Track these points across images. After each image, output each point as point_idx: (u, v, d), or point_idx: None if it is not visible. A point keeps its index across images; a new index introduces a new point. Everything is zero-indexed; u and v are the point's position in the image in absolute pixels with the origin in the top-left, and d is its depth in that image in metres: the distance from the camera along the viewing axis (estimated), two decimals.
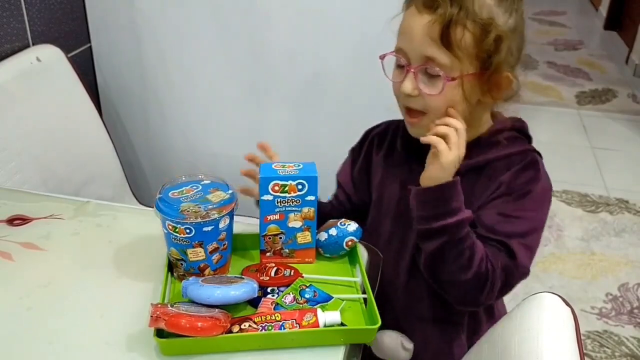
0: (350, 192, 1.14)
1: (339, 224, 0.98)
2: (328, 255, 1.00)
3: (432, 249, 0.93)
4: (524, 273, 0.95)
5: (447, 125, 0.90)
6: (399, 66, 0.95)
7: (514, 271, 0.94)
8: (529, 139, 1.03)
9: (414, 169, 0.98)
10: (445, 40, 0.87)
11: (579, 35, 4.79)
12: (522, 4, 0.93)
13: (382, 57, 0.97)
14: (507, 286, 0.94)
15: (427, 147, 0.94)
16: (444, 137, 0.90)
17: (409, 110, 0.97)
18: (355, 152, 1.15)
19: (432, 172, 0.92)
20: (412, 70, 0.92)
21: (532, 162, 0.98)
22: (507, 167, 0.97)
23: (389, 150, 1.09)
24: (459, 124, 0.90)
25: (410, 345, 1.04)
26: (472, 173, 0.97)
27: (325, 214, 1.09)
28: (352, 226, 0.98)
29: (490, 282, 0.91)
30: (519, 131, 1.02)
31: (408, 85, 0.92)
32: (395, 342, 1.04)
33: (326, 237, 0.98)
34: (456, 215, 0.90)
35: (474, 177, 0.97)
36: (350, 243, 0.98)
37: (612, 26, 4.78)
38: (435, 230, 0.91)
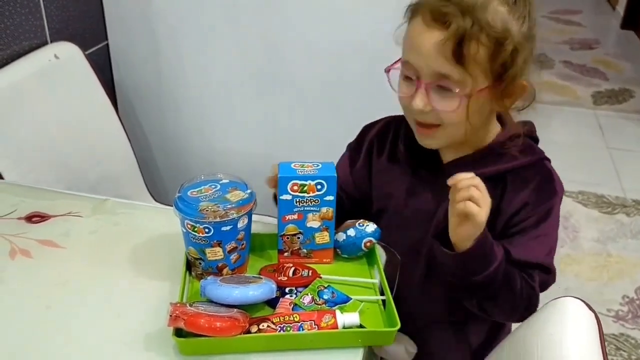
0: (348, 190, 1.09)
1: (357, 224, 0.97)
2: (346, 255, 1.00)
3: (476, 297, 0.93)
4: (555, 279, 0.98)
5: (466, 187, 0.84)
6: (407, 78, 0.91)
7: (549, 282, 0.96)
8: (536, 141, 1.01)
9: (421, 175, 0.99)
10: (459, 57, 0.84)
11: (595, 34, 4.74)
12: (534, 6, 0.90)
13: (387, 70, 0.94)
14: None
15: (432, 151, 0.94)
16: (469, 199, 0.84)
17: (420, 123, 0.93)
18: (353, 150, 1.11)
19: (466, 232, 0.87)
20: (422, 85, 0.88)
21: (548, 175, 0.98)
22: (523, 181, 0.95)
23: (390, 154, 1.05)
24: (475, 179, 0.85)
25: (413, 350, 1.02)
26: (486, 183, 0.89)
27: None
28: (371, 227, 0.97)
29: (533, 303, 0.93)
30: (528, 136, 0.99)
31: (420, 102, 0.88)
32: (398, 345, 1.01)
33: (344, 237, 0.97)
34: (495, 262, 0.88)
35: (489, 188, 0.89)
36: (368, 244, 0.97)
37: (629, 25, 4.73)
38: (479, 283, 0.89)
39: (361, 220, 0.98)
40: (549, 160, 1.00)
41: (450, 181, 0.85)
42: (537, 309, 0.91)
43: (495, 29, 0.84)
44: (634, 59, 4.23)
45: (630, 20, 4.72)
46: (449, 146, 0.97)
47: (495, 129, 0.98)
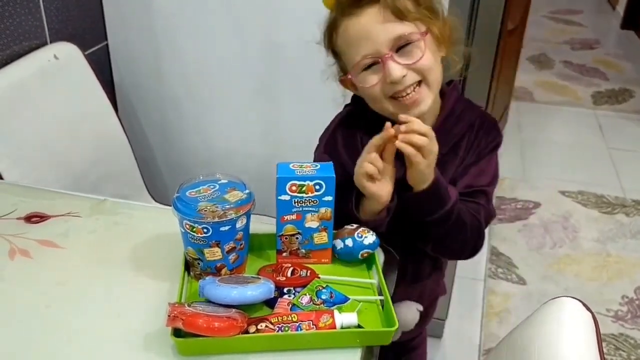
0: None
1: (355, 234, 0.96)
2: (343, 260, 1.00)
3: (432, 236, 1.02)
4: (495, 215, 1.10)
5: (415, 132, 0.91)
6: (368, 68, 0.97)
7: (492, 215, 1.07)
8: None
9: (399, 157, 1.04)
10: (400, 14, 0.93)
11: (595, 35, 4.75)
12: None
13: (347, 79, 1.01)
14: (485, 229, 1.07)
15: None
16: (416, 147, 0.91)
17: (403, 96, 0.97)
18: (328, 145, 1.10)
19: (415, 178, 0.96)
20: (387, 58, 0.94)
21: (492, 120, 1.09)
22: (472, 132, 1.06)
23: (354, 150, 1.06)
24: (423, 127, 0.91)
25: (421, 307, 1.17)
26: (453, 149, 1.04)
27: None
28: (369, 239, 0.96)
29: (480, 236, 1.04)
30: (457, 90, 1.09)
31: (395, 71, 0.94)
32: (413, 311, 1.16)
33: (342, 246, 0.97)
34: (450, 201, 0.98)
35: (455, 152, 1.05)
36: (365, 254, 0.97)
37: (630, 25, 4.74)
38: (435, 221, 0.98)
39: (360, 229, 0.97)
40: (483, 109, 1.12)
41: (402, 117, 0.92)
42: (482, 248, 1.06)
43: None
44: (634, 59, 4.23)
45: (631, 20, 4.73)
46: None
47: (439, 100, 1.05)
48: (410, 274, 1.15)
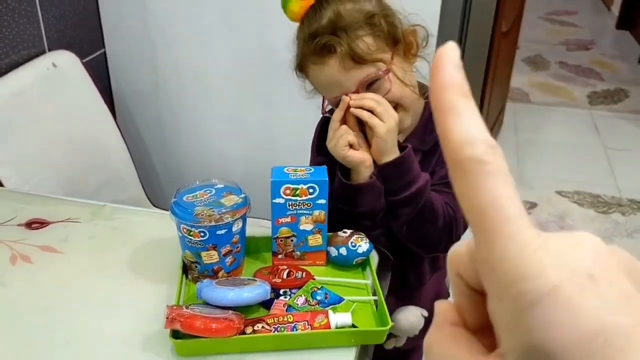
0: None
1: (349, 243, 0.98)
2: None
3: (403, 218, 1.02)
4: None
5: (365, 99, 0.96)
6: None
7: None
8: None
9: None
10: (360, 59, 0.95)
11: (590, 35, 4.77)
12: None
13: (324, 113, 1.07)
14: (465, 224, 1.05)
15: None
16: (370, 110, 0.95)
17: None
18: (317, 146, 1.15)
19: (377, 147, 0.97)
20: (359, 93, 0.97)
21: None
22: None
23: None
24: (374, 95, 0.96)
25: (426, 312, 1.16)
26: (436, 146, 1.05)
27: None
28: (363, 247, 0.97)
29: (455, 225, 1.03)
30: None
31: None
32: (417, 315, 1.17)
33: (336, 254, 0.99)
34: (418, 182, 0.99)
35: (437, 148, 1.05)
36: (360, 261, 0.99)
37: (625, 25, 4.76)
38: (402, 200, 0.99)
39: (354, 237, 0.98)
40: None
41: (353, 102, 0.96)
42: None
43: (359, 21, 0.95)
44: (629, 59, 4.25)
45: (626, 20, 4.75)
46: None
47: (421, 100, 1.07)
48: (412, 281, 1.17)
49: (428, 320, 1.22)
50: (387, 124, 0.95)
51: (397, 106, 1.00)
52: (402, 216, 1.02)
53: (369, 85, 0.98)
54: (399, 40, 0.99)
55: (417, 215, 1.01)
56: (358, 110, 0.96)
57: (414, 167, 0.99)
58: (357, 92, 0.98)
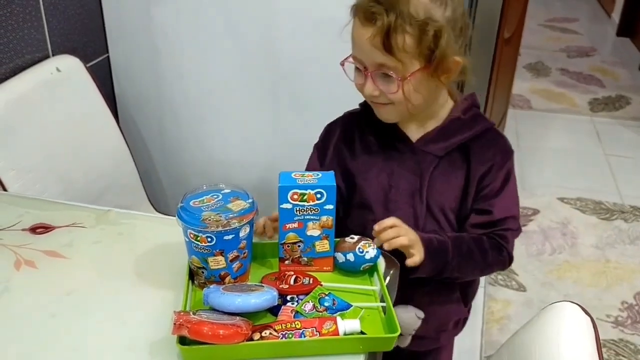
0: None
1: (357, 249, 0.97)
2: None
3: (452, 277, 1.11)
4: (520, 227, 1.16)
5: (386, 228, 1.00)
6: (358, 69, 1.05)
7: (520, 230, 1.14)
8: (478, 107, 1.16)
9: (395, 158, 1.12)
10: (388, 48, 0.96)
11: (591, 42, 4.78)
12: None
13: (342, 64, 1.06)
14: None
15: (400, 134, 1.10)
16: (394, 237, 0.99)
17: (374, 102, 1.07)
18: (320, 148, 1.21)
19: (412, 253, 1.03)
20: (369, 74, 1.02)
21: (501, 138, 1.13)
22: (483, 147, 1.10)
23: (364, 148, 1.15)
24: (391, 219, 1.00)
25: (422, 314, 1.18)
26: (453, 152, 1.10)
27: None
28: (370, 253, 0.97)
29: (503, 261, 1.12)
30: (474, 105, 1.14)
31: (369, 88, 1.03)
32: (411, 315, 1.18)
33: (343, 260, 0.98)
34: (450, 262, 1.06)
35: (455, 155, 1.10)
36: (367, 267, 0.98)
37: (625, 32, 4.77)
38: (447, 277, 1.10)
39: (361, 243, 0.98)
40: (494, 124, 1.15)
41: (376, 227, 0.99)
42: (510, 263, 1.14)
43: (417, 18, 0.95)
44: (630, 66, 4.26)
45: (626, 27, 4.76)
46: (410, 124, 1.11)
47: (448, 103, 1.12)
48: (410, 281, 1.16)
49: (424, 322, 1.21)
50: (408, 236, 1.00)
51: (392, 103, 1.04)
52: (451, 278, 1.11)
53: (382, 73, 1.00)
54: (437, 61, 0.98)
55: (462, 270, 1.10)
56: (389, 245, 0.99)
57: (441, 258, 1.06)
58: (368, 73, 1.01)
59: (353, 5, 1.03)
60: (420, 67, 0.99)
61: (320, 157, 1.20)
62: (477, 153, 1.09)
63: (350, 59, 1.06)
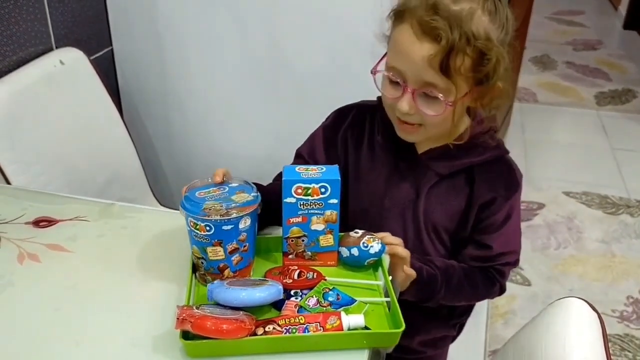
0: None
1: (361, 244, 0.96)
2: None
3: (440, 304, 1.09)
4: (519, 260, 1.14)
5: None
6: (392, 81, 0.95)
7: (517, 263, 1.12)
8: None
9: (398, 165, 1.07)
10: (446, 69, 0.88)
11: (598, 35, 4.75)
12: (511, 11, 0.95)
13: (373, 73, 0.99)
14: None
15: (408, 143, 1.04)
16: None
17: (402, 121, 0.99)
18: (329, 131, 1.14)
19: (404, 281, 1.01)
20: (409, 91, 0.93)
21: (511, 169, 1.07)
22: (489, 175, 1.04)
23: (369, 144, 1.10)
24: (391, 239, 0.99)
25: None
26: (458, 173, 1.05)
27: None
28: (375, 247, 0.96)
29: (495, 292, 1.12)
30: (492, 129, 1.07)
31: (406, 106, 0.94)
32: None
33: (347, 255, 0.98)
34: (436, 295, 1.05)
35: (460, 177, 1.05)
36: (372, 262, 0.97)
37: (632, 25, 4.73)
38: (435, 304, 1.09)
39: (366, 238, 0.97)
40: (508, 152, 1.08)
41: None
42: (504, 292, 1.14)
43: (480, 40, 0.88)
44: (637, 60, 4.23)
45: (633, 20, 4.72)
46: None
47: (464, 121, 1.04)
48: None
49: (407, 335, 1.17)
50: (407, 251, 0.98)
51: (423, 124, 0.97)
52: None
53: (424, 92, 0.93)
54: (489, 87, 0.93)
55: (447, 302, 1.09)
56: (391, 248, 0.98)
57: (431, 288, 1.05)
58: (410, 90, 0.92)
59: (399, 10, 0.94)
60: (467, 91, 0.93)
61: (327, 141, 1.14)
62: (482, 180, 1.04)
63: (382, 67, 0.97)
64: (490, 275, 1.09)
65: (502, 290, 1.12)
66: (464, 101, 0.95)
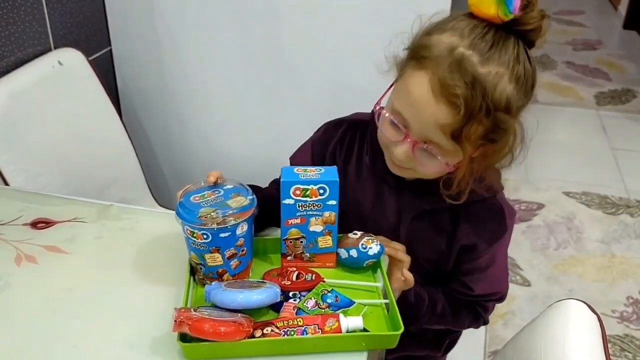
0: None
1: (360, 245, 0.96)
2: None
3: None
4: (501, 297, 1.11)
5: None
6: (393, 124, 0.90)
7: (501, 301, 1.11)
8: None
9: (384, 189, 1.02)
10: (457, 137, 0.83)
11: (597, 35, 4.74)
12: (536, 76, 0.89)
13: (377, 112, 0.93)
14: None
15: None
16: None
17: (396, 162, 0.94)
18: (318, 146, 1.11)
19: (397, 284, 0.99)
20: (410, 141, 0.88)
21: (500, 212, 1.01)
22: (476, 216, 0.99)
23: (357, 163, 1.06)
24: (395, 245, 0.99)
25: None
26: (441, 211, 1.00)
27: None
28: (374, 249, 0.95)
29: (480, 325, 1.12)
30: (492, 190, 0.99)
31: (402, 155, 0.90)
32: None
33: (346, 256, 0.97)
34: (420, 319, 1.05)
35: (443, 215, 1.01)
36: (370, 263, 0.97)
37: (632, 25, 4.73)
38: (417, 328, 1.07)
39: (364, 239, 0.96)
40: (502, 189, 1.02)
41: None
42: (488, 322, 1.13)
43: (499, 111, 0.82)
44: (637, 59, 4.22)
45: (633, 20, 4.72)
46: None
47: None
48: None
49: (388, 351, 1.13)
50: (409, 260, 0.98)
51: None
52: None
53: (425, 149, 0.87)
54: (493, 152, 0.88)
55: (428, 326, 1.09)
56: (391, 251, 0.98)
57: (418, 312, 1.04)
58: (411, 141, 0.87)
59: (419, 54, 0.85)
60: (471, 153, 0.86)
61: (314, 155, 1.10)
62: (466, 221, 0.99)
63: (384, 108, 0.91)
64: (474, 309, 1.09)
65: (485, 322, 1.12)
66: (464, 162, 0.87)
